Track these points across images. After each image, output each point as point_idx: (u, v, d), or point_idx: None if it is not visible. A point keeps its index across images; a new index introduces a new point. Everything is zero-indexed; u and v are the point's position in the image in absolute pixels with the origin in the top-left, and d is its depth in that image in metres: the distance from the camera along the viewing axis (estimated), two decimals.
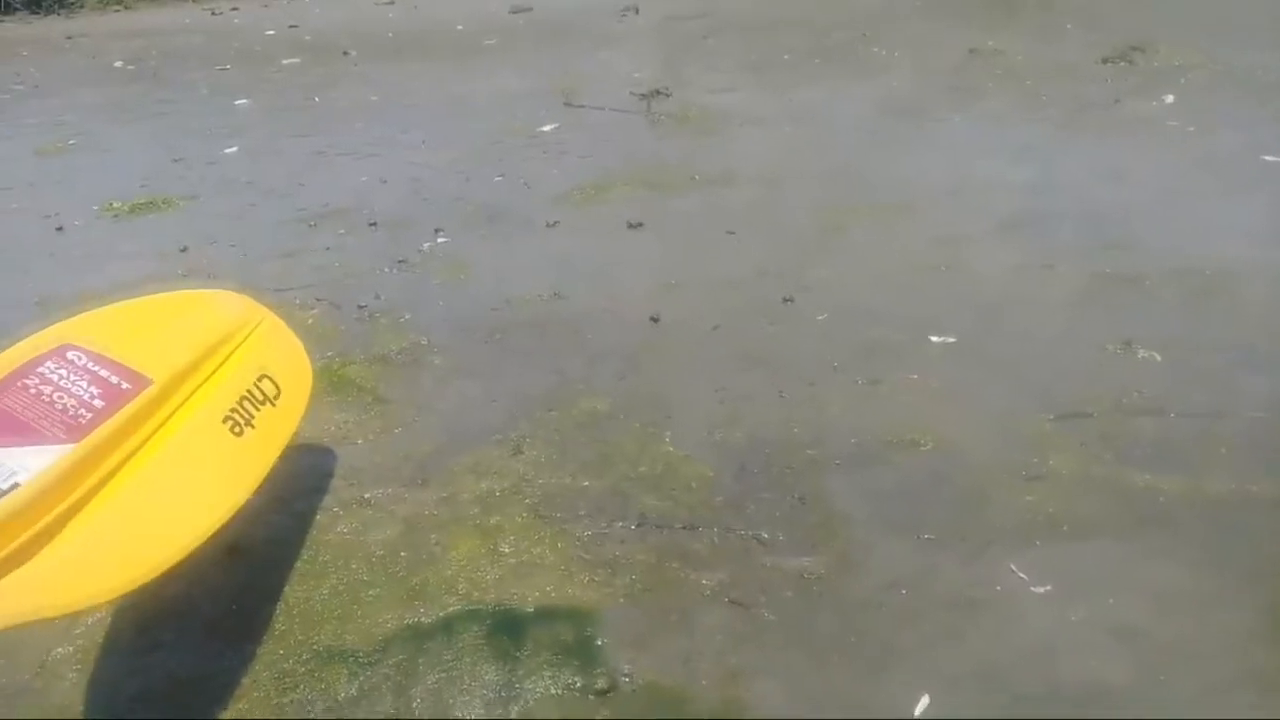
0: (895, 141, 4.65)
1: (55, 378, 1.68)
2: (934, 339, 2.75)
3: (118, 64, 7.61)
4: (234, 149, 5.06)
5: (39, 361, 1.71)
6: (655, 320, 2.98)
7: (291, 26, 8.81)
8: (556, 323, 3.01)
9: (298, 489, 2.23)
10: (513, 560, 1.97)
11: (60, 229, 4.01)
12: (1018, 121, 4.86)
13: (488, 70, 6.71)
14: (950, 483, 2.14)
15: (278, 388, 1.94)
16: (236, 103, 6.11)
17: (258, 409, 1.86)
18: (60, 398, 1.64)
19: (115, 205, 4.24)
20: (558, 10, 8.82)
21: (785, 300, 3.05)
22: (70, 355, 1.74)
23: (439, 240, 3.73)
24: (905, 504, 2.08)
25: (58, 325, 1.86)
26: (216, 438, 1.76)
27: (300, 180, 4.52)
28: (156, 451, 1.66)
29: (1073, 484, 2.11)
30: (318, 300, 3.23)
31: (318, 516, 2.15)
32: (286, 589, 1.94)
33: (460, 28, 8.32)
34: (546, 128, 5.17)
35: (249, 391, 1.88)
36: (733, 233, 3.62)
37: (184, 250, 3.71)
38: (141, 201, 4.28)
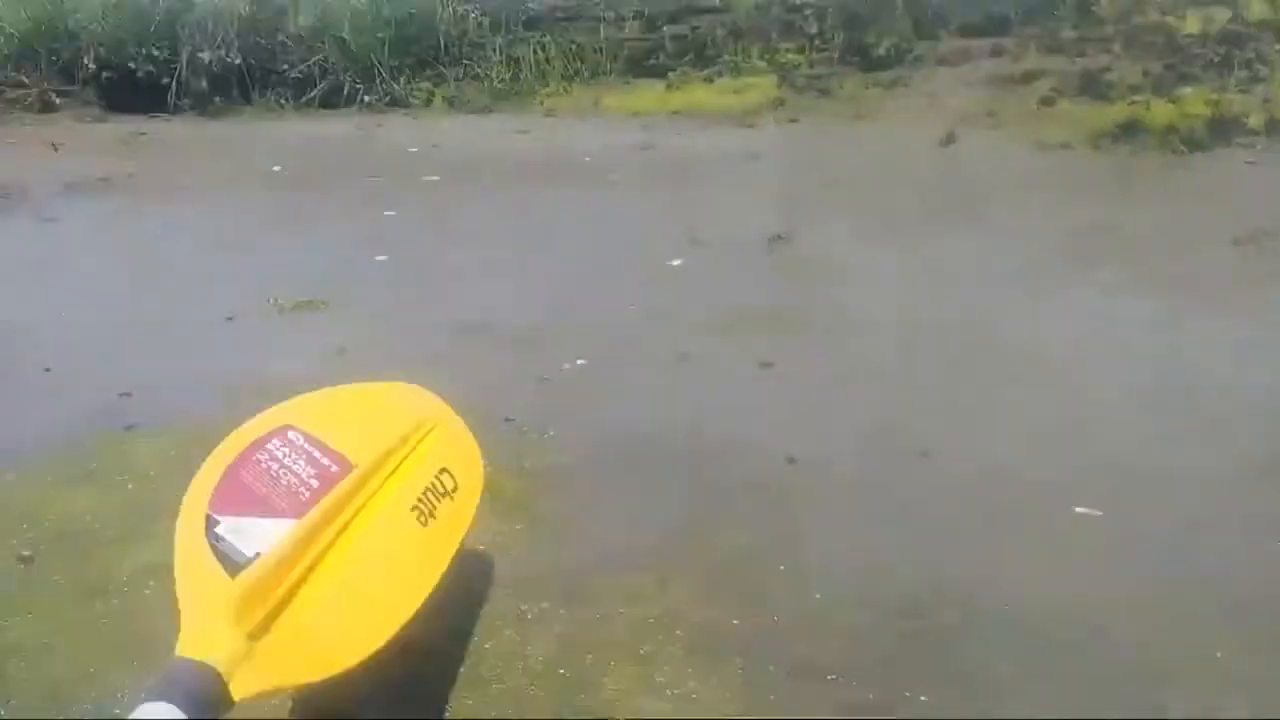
0: (1022, 302, 4.70)
1: (281, 455, 1.83)
2: (1079, 510, 2.74)
3: (276, 169, 8.24)
4: (384, 258, 5.41)
5: (268, 439, 1.87)
6: (792, 461, 3.05)
7: (434, 146, 9.42)
8: (694, 454, 3.11)
9: (455, 590, 2.32)
10: (669, 692, 2.01)
11: (230, 319, 4.33)
12: (1148, 293, 4.87)
13: (615, 201, 7.05)
14: (1111, 658, 2.12)
15: (455, 482, 2.04)
16: (385, 214, 6.55)
17: (439, 501, 1.96)
18: (284, 475, 1.79)
19: (279, 301, 4.56)
20: (680, 149, 9.24)
21: (922, 455, 3.09)
22: (291, 435, 1.90)
23: (578, 363, 3.89)
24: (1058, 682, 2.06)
25: (279, 406, 2.04)
26: (406, 525, 1.87)
27: (444, 292, 4.80)
28: (357, 534, 1.77)
29: (1247, 679, 2.06)
30: (466, 410, 3.38)
31: (477, 624, 2.23)
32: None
33: (588, 159, 8.78)
34: (675, 262, 5.39)
35: (431, 483, 1.98)
36: (865, 380, 3.70)
37: (341, 352, 3.95)
38: (302, 300, 4.59)
